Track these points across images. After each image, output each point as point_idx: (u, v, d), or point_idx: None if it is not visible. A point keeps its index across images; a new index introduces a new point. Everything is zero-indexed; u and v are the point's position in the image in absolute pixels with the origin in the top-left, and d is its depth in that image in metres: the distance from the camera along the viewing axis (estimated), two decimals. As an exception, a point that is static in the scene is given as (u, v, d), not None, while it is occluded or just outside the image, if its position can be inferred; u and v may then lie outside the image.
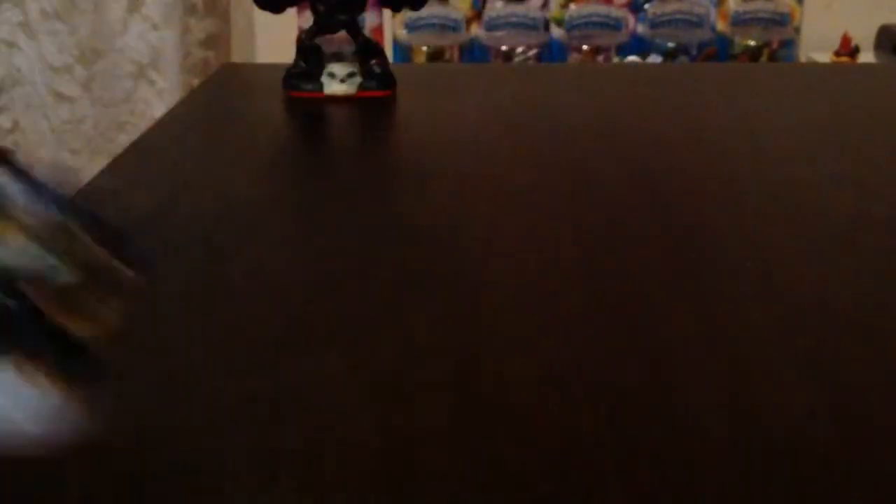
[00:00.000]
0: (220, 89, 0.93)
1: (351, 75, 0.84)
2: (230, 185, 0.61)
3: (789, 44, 2.03)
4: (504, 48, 1.94)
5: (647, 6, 2.02)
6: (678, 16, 2.02)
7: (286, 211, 0.57)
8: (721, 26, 2.03)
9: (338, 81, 0.83)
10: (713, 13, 2.02)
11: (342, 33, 0.84)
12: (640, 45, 2.03)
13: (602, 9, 2.00)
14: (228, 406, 0.36)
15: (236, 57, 1.78)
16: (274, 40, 1.58)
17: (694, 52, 2.03)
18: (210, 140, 0.73)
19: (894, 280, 0.46)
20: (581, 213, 0.56)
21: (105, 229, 0.30)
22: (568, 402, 0.36)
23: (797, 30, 2.02)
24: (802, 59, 2.00)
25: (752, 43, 2.02)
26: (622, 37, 2.03)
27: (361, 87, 0.84)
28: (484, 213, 0.57)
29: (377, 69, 0.84)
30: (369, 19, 1.96)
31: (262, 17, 1.81)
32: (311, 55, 0.84)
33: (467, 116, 0.80)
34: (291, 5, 0.86)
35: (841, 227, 0.53)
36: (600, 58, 2.04)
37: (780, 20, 2.02)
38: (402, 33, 2.04)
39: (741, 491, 0.31)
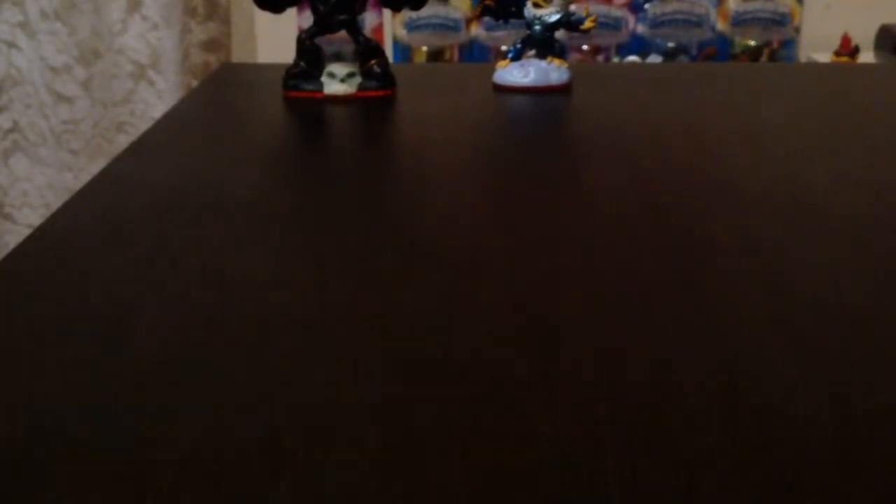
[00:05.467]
0: (219, 89, 0.93)
1: (351, 75, 0.84)
2: (230, 186, 0.61)
3: (789, 44, 2.03)
4: (504, 48, 1.94)
5: (647, 6, 2.02)
6: (678, 16, 2.02)
7: (286, 211, 0.57)
8: (721, 26, 2.03)
9: (338, 81, 0.83)
10: (713, 13, 2.02)
11: (342, 33, 0.84)
12: (640, 45, 2.04)
13: (602, 9, 2.00)
14: (227, 407, 0.36)
15: (237, 60, 1.78)
16: (274, 42, 1.58)
17: (694, 52, 2.03)
18: (210, 140, 0.73)
19: (894, 280, 0.46)
20: (580, 213, 0.56)
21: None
22: (568, 402, 0.36)
23: (797, 30, 2.02)
24: (802, 59, 2.00)
25: (752, 43, 2.02)
26: (622, 37, 2.04)
27: (361, 87, 0.84)
28: (483, 214, 0.57)
29: (377, 69, 0.84)
30: (369, 19, 1.96)
31: (263, 20, 1.81)
32: (311, 55, 0.84)
33: (467, 116, 0.80)
34: (291, 5, 0.86)
35: (841, 227, 0.53)
36: (600, 58, 2.04)
37: (780, 20, 2.02)
38: (402, 33, 2.04)
39: (741, 491, 0.31)
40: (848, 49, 1.88)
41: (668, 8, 2.02)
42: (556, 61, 0.86)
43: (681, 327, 0.42)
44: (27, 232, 1.54)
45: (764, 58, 2.01)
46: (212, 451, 0.33)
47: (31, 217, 1.75)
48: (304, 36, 0.84)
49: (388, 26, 2.02)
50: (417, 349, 0.40)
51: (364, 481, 0.31)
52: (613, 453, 0.33)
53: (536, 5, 0.84)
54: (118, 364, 0.39)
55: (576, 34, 0.87)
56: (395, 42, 2.03)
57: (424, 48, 2.04)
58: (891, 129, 0.74)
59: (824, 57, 1.91)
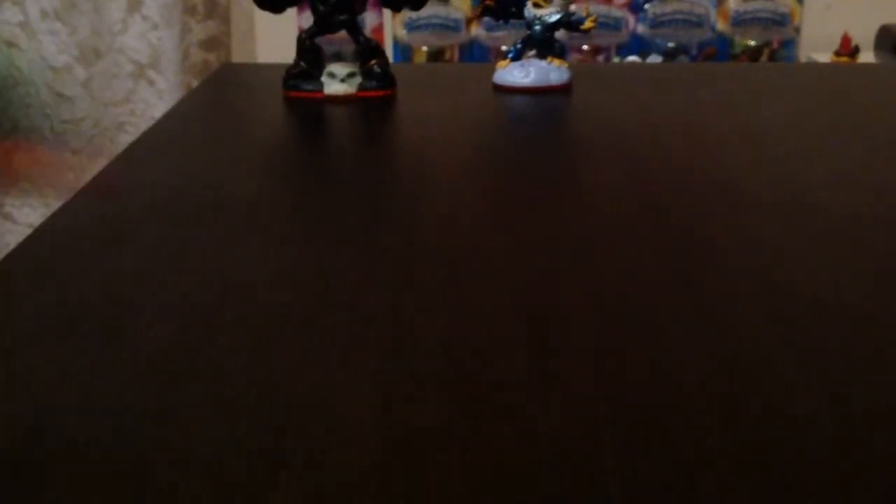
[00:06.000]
0: (219, 89, 0.93)
1: (351, 75, 0.84)
2: (230, 186, 0.61)
3: (789, 44, 2.03)
4: (504, 48, 1.94)
5: (647, 6, 2.02)
6: (678, 16, 2.02)
7: (286, 211, 0.57)
8: (721, 26, 2.03)
9: (338, 81, 0.83)
10: (713, 13, 2.02)
11: (342, 33, 0.84)
12: (640, 45, 2.03)
13: (602, 9, 2.00)
14: (227, 407, 0.36)
15: (237, 59, 1.78)
16: (274, 41, 1.58)
17: (694, 52, 2.03)
18: (210, 140, 0.73)
19: (894, 280, 0.46)
20: (580, 213, 0.56)
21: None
22: (568, 402, 0.36)
23: (797, 30, 2.02)
24: (802, 59, 2.00)
25: (752, 43, 2.02)
26: (622, 37, 2.04)
27: (361, 87, 0.84)
28: (483, 214, 0.57)
29: (377, 69, 0.84)
30: (369, 19, 1.96)
31: (263, 19, 1.81)
32: (311, 55, 0.84)
33: (467, 116, 0.80)
34: (291, 5, 0.86)
35: (841, 227, 0.53)
36: (600, 58, 2.04)
37: (780, 20, 2.02)
38: (402, 33, 2.04)
39: (741, 491, 0.31)
40: (848, 49, 1.88)
41: (668, 8, 2.02)
42: (556, 61, 0.86)
43: (681, 327, 0.42)
44: (27, 232, 1.54)
45: (764, 58, 2.01)
46: (212, 451, 0.33)
47: (31, 217, 1.74)
48: (304, 36, 0.84)
49: (388, 26, 2.02)
50: (417, 349, 0.40)
51: (364, 481, 0.31)
52: (613, 453, 0.33)
53: (536, 5, 0.84)
54: (118, 364, 0.39)
55: (576, 34, 0.87)
56: (395, 42, 2.03)
57: (424, 48, 2.04)
58: (891, 129, 0.74)
59: (824, 57, 1.91)
